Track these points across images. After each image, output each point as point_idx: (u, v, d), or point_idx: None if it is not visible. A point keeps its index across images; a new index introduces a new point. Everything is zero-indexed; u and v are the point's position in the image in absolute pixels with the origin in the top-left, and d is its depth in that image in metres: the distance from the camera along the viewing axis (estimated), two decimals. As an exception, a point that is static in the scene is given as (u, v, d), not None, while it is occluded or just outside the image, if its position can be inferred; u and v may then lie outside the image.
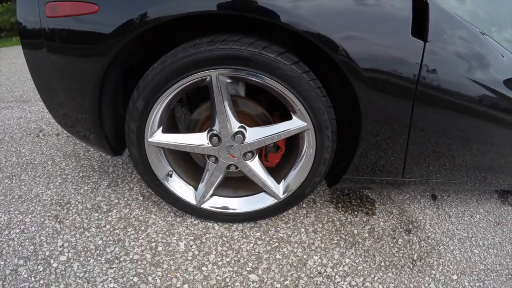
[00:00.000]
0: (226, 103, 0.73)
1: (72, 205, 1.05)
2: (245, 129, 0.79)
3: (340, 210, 1.14)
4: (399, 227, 1.16)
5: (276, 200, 0.89)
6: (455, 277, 1.02)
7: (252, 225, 0.99)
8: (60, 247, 0.90)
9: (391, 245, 1.06)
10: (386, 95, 0.73)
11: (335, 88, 0.81)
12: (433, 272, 1.00)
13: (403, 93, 0.73)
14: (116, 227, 0.94)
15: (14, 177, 1.23)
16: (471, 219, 1.40)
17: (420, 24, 0.70)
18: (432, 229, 1.21)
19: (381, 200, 1.27)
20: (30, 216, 1.03)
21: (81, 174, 1.21)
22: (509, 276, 1.08)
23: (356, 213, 1.15)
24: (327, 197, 1.19)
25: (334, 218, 1.09)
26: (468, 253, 1.14)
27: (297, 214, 1.07)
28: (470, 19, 0.86)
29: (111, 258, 0.85)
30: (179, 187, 0.88)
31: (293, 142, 0.87)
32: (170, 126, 0.90)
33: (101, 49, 0.69)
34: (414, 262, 1.02)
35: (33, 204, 1.08)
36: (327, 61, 0.71)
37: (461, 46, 0.77)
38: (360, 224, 1.11)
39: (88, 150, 1.38)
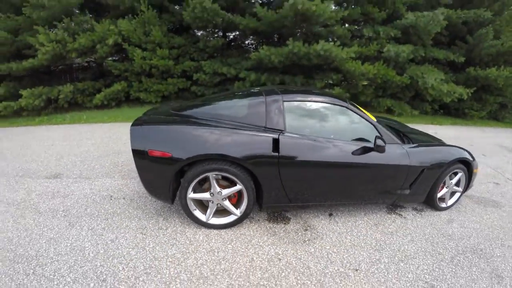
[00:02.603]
0: (214, 182, 2.39)
1: (148, 229, 2.62)
2: (222, 190, 2.43)
3: (270, 222, 2.74)
4: (301, 228, 2.74)
5: (237, 217, 2.51)
6: (328, 247, 2.53)
7: (229, 229, 2.58)
8: (148, 244, 2.43)
9: (294, 235, 2.63)
10: (266, 170, 2.40)
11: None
12: (316, 245, 2.54)
13: (272, 168, 2.40)
14: (172, 234, 2.52)
15: (108, 219, 2.78)
16: (354, 223, 2.92)
17: (276, 146, 2.39)
18: (321, 229, 2.77)
19: (294, 217, 2.87)
20: (128, 234, 2.56)
21: (147, 216, 2.79)
22: (369, 247, 2.53)
23: (278, 223, 2.75)
24: (264, 217, 2.81)
25: (267, 226, 2.68)
26: (343, 239, 2.65)
27: (249, 225, 2.68)
28: (309, 130, 2.55)
29: (172, 243, 2.41)
30: (198, 214, 2.51)
31: (240, 193, 2.52)
32: (195, 189, 2.53)
33: (173, 165, 2.34)
34: (305, 241, 2.57)
35: (127, 229, 2.62)
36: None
37: (295, 148, 2.44)
38: (279, 227, 2.69)
39: (146, 204, 2.98)
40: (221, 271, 2.16)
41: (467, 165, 3.18)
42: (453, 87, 8.29)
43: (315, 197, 2.68)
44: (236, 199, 2.58)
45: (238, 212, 2.53)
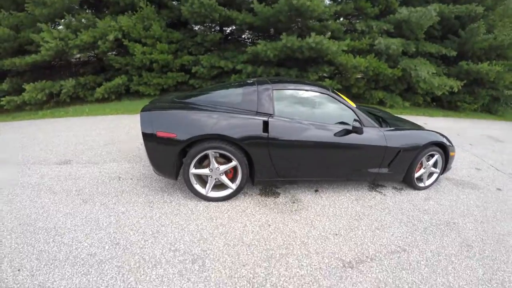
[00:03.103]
0: (212, 159, 2.80)
1: (155, 203, 3.02)
2: (219, 166, 2.84)
3: (262, 196, 3.15)
4: (289, 201, 3.14)
5: (232, 190, 2.93)
6: (312, 216, 2.93)
7: (226, 202, 3.00)
8: (155, 214, 2.82)
9: (282, 206, 3.03)
10: (257, 149, 2.81)
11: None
12: (302, 215, 2.93)
13: (263, 147, 2.81)
14: (176, 206, 2.92)
15: (118, 196, 3.15)
16: (337, 198, 3.32)
17: (265, 128, 2.80)
18: (307, 202, 3.17)
19: (283, 192, 3.28)
20: (137, 207, 2.95)
21: (153, 193, 3.19)
22: (349, 217, 2.95)
23: (269, 197, 3.15)
24: (257, 192, 3.22)
25: (259, 199, 3.09)
26: (326, 210, 3.04)
27: (243, 198, 3.09)
28: (296, 114, 2.96)
29: (176, 213, 2.81)
30: (199, 188, 2.92)
31: (235, 168, 2.92)
32: (196, 166, 2.93)
33: (178, 145, 2.74)
34: (292, 211, 2.97)
35: (136, 204, 3.00)
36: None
37: (282, 130, 2.84)
38: (270, 200, 3.10)
39: (152, 183, 3.39)
40: (219, 234, 2.56)
41: (444, 149, 3.53)
42: (444, 80, 8.67)
43: (301, 173, 3.09)
44: (231, 175, 2.97)
45: (233, 185, 2.93)
